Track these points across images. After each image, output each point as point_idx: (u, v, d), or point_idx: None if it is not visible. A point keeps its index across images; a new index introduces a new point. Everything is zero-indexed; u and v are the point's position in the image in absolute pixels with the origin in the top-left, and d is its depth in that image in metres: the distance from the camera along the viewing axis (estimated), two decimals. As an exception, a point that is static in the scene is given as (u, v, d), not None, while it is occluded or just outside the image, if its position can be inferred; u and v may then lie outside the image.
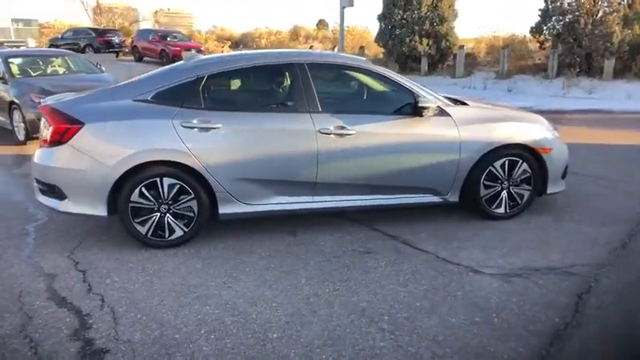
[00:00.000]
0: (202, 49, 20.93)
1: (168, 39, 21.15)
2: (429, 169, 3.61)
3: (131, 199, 3.22)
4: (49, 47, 24.07)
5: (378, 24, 16.36)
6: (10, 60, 7.49)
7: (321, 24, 34.40)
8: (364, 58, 4.05)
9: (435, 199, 3.73)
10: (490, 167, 3.72)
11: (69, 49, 23.23)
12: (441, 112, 3.60)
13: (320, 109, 3.43)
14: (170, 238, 3.35)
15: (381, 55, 17.34)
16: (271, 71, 3.54)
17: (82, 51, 22.94)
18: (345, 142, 3.42)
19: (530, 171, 3.81)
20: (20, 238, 3.60)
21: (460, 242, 3.49)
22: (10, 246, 3.45)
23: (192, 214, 3.34)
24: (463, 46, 15.90)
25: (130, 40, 23.61)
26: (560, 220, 3.90)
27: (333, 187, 3.53)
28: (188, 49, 20.26)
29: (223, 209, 3.39)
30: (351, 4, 14.62)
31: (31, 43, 29.21)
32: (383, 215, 3.89)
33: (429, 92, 3.65)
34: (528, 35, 15.13)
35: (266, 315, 2.58)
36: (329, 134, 3.38)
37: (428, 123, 3.56)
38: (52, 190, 3.27)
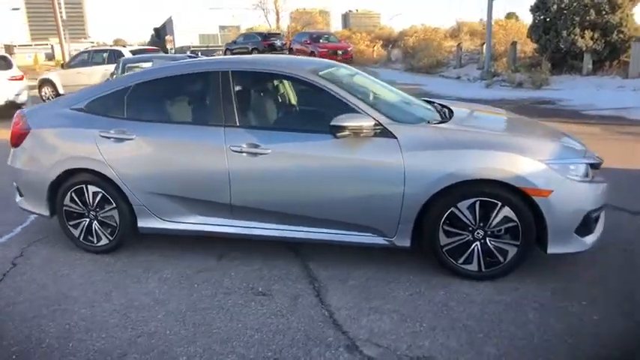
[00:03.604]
0: (350, 49, 21.26)
1: (321, 41, 22.06)
2: (362, 202, 2.88)
3: (64, 202, 3.38)
4: (225, 51, 27.67)
5: (532, 16, 14.06)
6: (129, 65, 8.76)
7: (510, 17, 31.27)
8: (318, 65, 3.30)
9: (379, 240, 2.96)
10: (452, 209, 2.78)
11: (240, 52, 26.35)
12: (384, 133, 2.83)
13: (237, 124, 3.04)
14: (98, 245, 3.42)
15: (533, 52, 14.92)
16: (194, 80, 3.27)
17: (250, 53, 25.73)
18: (257, 162, 2.97)
19: (516, 219, 2.73)
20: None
21: (383, 302, 2.70)
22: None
23: (114, 224, 3.35)
24: (646, 37, 12.49)
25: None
26: (558, 295, 2.71)
27: (253, 212, 3.10)
28: (335, 50, 20.88)
29: (142, 223, 3.31)
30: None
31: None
32: (333, 251, 3.27)
33: (380, 110, 2.89)
34: None
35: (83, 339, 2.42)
36: (240, 152, 2.98)
37: (363, 145, 2.83)
38: (17, 187, 3.65)
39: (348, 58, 20.92)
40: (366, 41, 24.14)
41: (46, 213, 3.48)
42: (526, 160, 2.68)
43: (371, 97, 3.32)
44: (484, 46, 16.30)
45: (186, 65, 3.35)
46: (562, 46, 13.20)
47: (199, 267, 3.21)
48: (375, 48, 23.25)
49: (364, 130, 2.77)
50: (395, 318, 2.55)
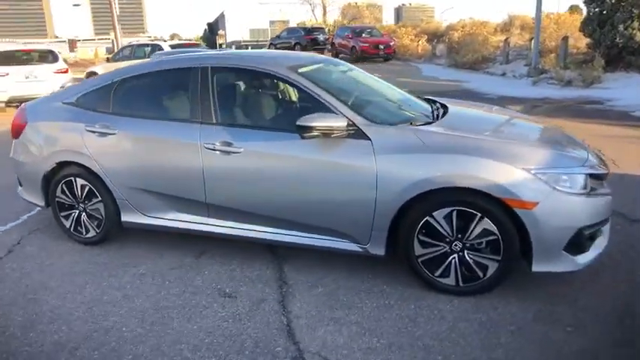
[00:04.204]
0: (392, 44, 20.78)
1: (363, 35, 21.68)
2: (333, 207, 2.75)
3: (56, 194, 3.48)
4: (269, 46, 27.91)
5: (585, 9, 13.07)
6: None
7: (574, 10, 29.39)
8: (293, 61, 3.12)
9: (353, 247, 2.81)
10: (427, 218, 2.59)
11: (283, 47, 26.46)
12: (359, 134, 2.67)
13: (214, 121, 2.98)
14: (86, 236, 3.50)
15: (587, 48, 13.90)
16: (176, 76, 3.22)
17: (292, 48, 25.76)
18: (230, 160, 2.90)
19: (497, 232, 2.49)
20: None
21: (347, 313, 2.56)
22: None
23: (100, 217, 3.40)
24: None
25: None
26: (541, 318, 2.45)
27: (228, 211, 3.04)
28: (377, 44, 20.48)
29: (125, 217, 3.34)
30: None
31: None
32: (312, 255, 3.15)
33: (355, 110, 2.74)
34: None
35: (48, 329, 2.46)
36: (214, 150, 2.92)
37: (335, 147, 2.69)
38: (17, 178, 3.80)
39: (389, 53, 20.48)
40: (411, 36, 23.49)
41: (42, 203, 3.60)
42: (508, 168, 2.43)
43: (355, 96, 3.16)
44: (533, 41, 15.38)
45: (168, 61, 3.34)
46: (618, 41, 12.19)
47: (177, 264, 3.20)
48: (420, 43, 22.57)
49: (335, 131, 2.62)
50: (354, 331, 2.41)
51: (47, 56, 10.75)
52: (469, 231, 2.54)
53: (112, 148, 3.21)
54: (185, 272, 3.09)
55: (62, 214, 3.53)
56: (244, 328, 2.46)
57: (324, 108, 2.76)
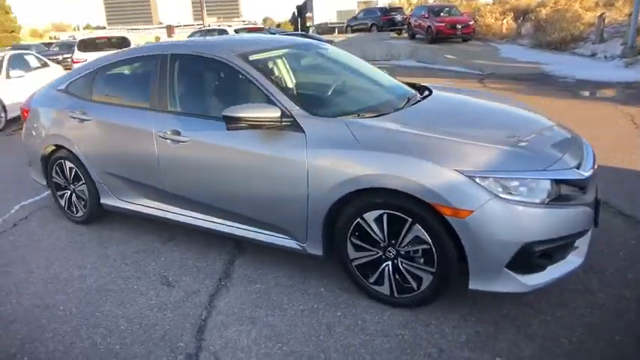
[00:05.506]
0: (470, 23, 19.40)
1: (441, 14, 20.48)
2: (270, 201, 2.62)
3: (52, 174, 3.76)
4: (346, 28, 27.50)
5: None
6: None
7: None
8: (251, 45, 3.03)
9: (293, 244, 2.67)
10: (359, 220, 2.36)
11: (359, 29, 25.94)
12: (295, 126, 2.50)
13: (167, 109, 2.98)
14: (76, 216, 3.74)
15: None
16: (142, 64, 3.24)
17: (369, 30, 25.18)
18: (179, 149, 2.89)
19: (429, 241, 2.20)
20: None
21: (268, 313, 2.45)
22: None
23: (85, 198, 3.61)
24: None
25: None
26: (474, 342, 2.12)
27: (183, 200, 3.05)
28: (454, 24, 19.26)
29: (103, 199, 3.51)
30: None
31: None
32: (270, 251, 3.05)
33: (290, 98, 2.56)
34: None
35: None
36: (165, 139, 2.93)
37: (271, 139, 2.55)
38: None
39: (468, 33, 19.12)
40: (496, 14, 21.67)
41: (44, 183, 3.91)
42: (441, 170, 2.12)
43: (313, 85, 2.97)
44: (632, 16, 13.38)
45: (138, 50, 3.39)
46: None
47: (143, 248, 3.30)
48: (505, 21, 20.74)
49: (266, 123, 2.48)
50: (263, 334, 2.30)
51: (121, 42, 11.62)
52: (401, 237, 2.28)
53: (88, 134, 3.37)
54: (145, 257, 3.17)
55: (58, 193, 3.80)
56: (163, 319, 2.47)
57: (265, 97, 2.62)
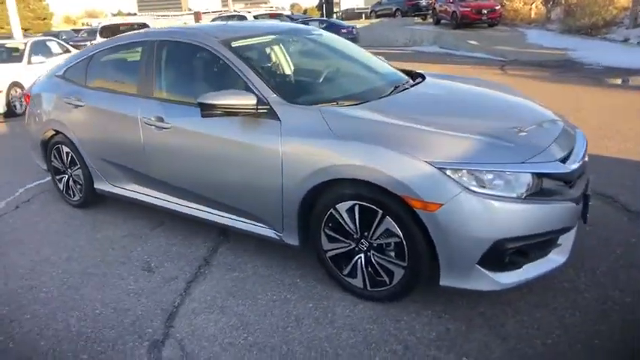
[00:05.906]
0: (497, 8, 18.73)
1: (468, -1, 19.84)
2: (247, 189, 2.59)
3: (51, 159, 3.83)
4: (370, 13, 27.03)
5: None
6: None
7: None
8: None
9: (270, 233, 2.64)
10: (332, 210, 2.31)
11: (383, 14, 25.44)
12: (271, 114, 2.45)
13: (152, 95, 2.98)
14: (73, 199, 3.81)
15: None
16: (132, 50, 3.24)
17: (393, 15, 24.69)
18: (162, 136, 2.88)
19: (400, 234, 2.13)
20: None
21: (240, 302, 2.43)
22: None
23: (81, 183, 3.67)
24: None
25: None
26: (441, 340, 2.05)
27: (168, 187, 3.06)
28: (479, 9, 18.65)
29: (96, 184, 3.56)
30: None
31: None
32: (255, 241, 3.03)
33: (270, 85, 2.51)
34: None
35: None
36: (149, 125, 2.93)
37: (249, 126, 2.50)
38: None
39: (494, 18, 18.48)
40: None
41: (45, 167, 4.00)
42: (410, 161, 2.03)
43: (295, 72, 2.90)
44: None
45: (130, 35, 3.39)
46: None
47: (132, 232, 3.34)
48: (534, 6, 19.93)
49: (242, 110, 2.43)
50: (230, 323, 2.28)
51: (141, 28, 11.72)
52: (372, 229, 2.22)
53: (82, 119, 3.41)
54: (132, 241, 3.21)
55: (57, 177, 3.88)
56: (137, 305, 2.49)
57: (243, 84, 2.58)
